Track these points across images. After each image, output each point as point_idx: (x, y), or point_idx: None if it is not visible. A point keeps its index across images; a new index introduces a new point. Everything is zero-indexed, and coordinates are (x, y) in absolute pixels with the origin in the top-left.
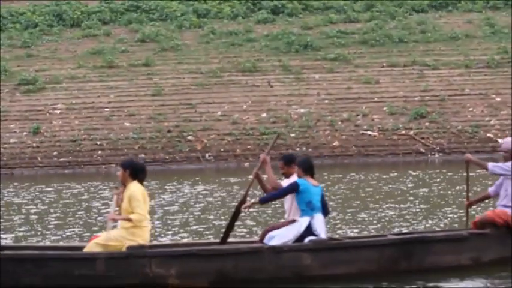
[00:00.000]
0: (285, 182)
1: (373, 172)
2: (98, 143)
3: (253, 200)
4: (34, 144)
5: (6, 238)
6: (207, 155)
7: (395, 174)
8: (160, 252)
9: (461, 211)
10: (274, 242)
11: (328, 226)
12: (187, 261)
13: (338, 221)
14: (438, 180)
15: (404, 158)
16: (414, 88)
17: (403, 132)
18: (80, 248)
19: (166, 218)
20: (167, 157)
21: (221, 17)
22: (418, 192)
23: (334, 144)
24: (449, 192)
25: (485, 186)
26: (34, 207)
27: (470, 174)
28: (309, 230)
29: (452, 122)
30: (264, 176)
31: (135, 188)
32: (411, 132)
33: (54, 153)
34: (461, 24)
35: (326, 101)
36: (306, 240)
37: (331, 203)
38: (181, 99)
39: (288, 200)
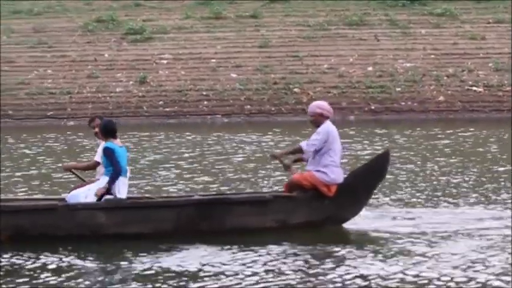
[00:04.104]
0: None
1: (479, 128)
2: (204, 93)
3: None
4: (140, 94)
5: None
6: None
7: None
8: None
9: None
10: (72, 200)
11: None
12: None
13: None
14: None
15: (508, 114)
16: None
17: (508, 88)
18: None
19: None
20: (273, 109)
21: None
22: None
23: (439, 99)
24: None
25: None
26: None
27: None
28: (107, 191)
29: None
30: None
31: None
32: None
33: (160, 102)
34: None
35: (432, 56)
36: (103, 199)
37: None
38: (288, 51)
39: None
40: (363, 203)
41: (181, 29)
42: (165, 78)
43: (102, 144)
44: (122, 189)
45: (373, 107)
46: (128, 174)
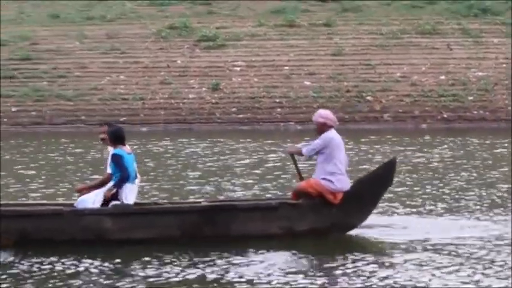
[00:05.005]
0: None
1: None
2: (277, 100)
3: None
4: (213, 100)
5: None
6: (385, 115)
7: None
8: None
9: None
10: (81, 205)
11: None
12: None
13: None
14: None
15: None
16: None
17: None
18: None
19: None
20: (346, 116)
21: None
22: None
23: (511, 108)
24: None
25: None
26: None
27: None
28: (115, 197)
29: None
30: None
31: None
32: None
33: (233, 109)
34: None
35: (504, 65)
36: (110, 204)
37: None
38: (361, 59)
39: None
40: (369, 211)
41: (254, 37)
42: (238, 85)
43: (111, 151)
44: (130, 196)
45: (445, 116)
46: (137, 181)
